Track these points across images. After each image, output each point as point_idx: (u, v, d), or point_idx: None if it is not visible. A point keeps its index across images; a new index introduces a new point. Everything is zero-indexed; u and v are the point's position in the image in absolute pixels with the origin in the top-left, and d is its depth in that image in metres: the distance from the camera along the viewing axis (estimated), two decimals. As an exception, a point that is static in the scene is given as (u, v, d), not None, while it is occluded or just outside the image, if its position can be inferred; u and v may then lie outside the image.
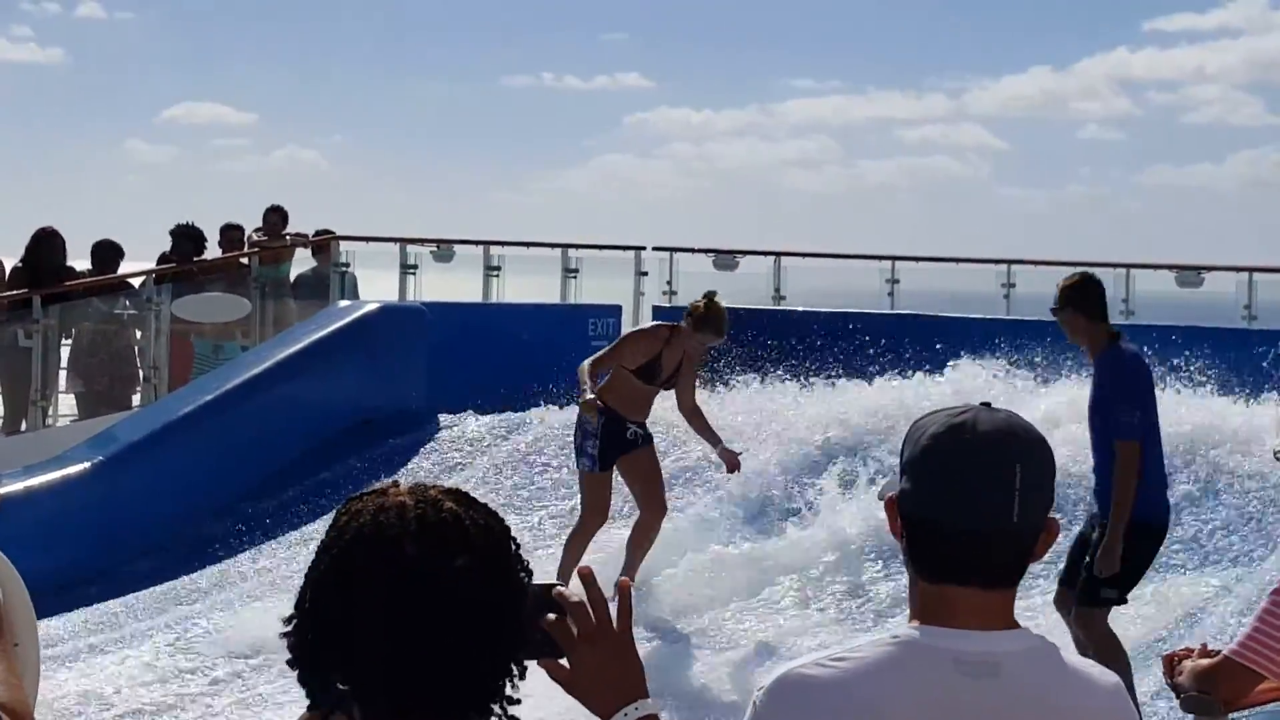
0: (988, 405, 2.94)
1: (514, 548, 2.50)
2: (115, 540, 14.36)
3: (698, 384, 12.74)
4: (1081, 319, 9.52)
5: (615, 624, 2.60)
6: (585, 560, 11.35)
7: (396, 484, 2.53)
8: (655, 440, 12.69)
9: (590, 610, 2.60)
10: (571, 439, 12.50)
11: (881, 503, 2.97)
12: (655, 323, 12.29)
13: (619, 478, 12.38)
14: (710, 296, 12.10)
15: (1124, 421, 9.19)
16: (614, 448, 12.05)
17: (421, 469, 15.68)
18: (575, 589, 2.63)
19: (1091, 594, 9.22)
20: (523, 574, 2.49)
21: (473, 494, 2.52)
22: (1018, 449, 2.82)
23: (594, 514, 12.24)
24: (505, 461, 15.53)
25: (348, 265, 19.22)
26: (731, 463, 12.34)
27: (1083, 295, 9.57)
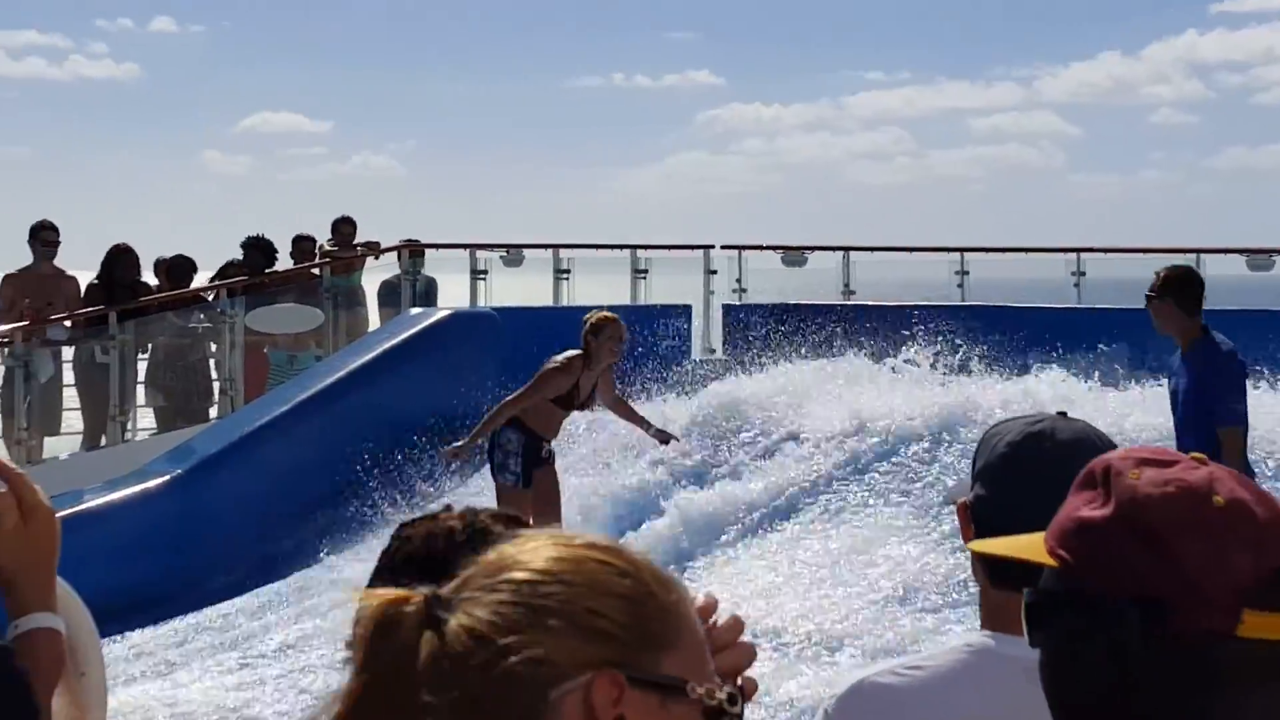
0: (1064, 414, 2.97)
1: None
2: (195, 552, 14.48)
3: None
4: (1177, 311, 9.54)
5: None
6: None
7: (449, 508, 2.56)
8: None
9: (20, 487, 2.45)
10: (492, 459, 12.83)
11: (951, 508, 2.97)
12: (567, 354, 12.58)
13: None
14: (600, 312, 12.92)
15: (1231, 409, 9.27)
16: (533, 465, 12.60)
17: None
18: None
19: None
20: None
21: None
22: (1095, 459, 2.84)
23: None
24: (575, 465, 15.59)
25: (418, 273, 19.29)
26: (665, 439, 13.51)
27: (1182, 288, 9.59)
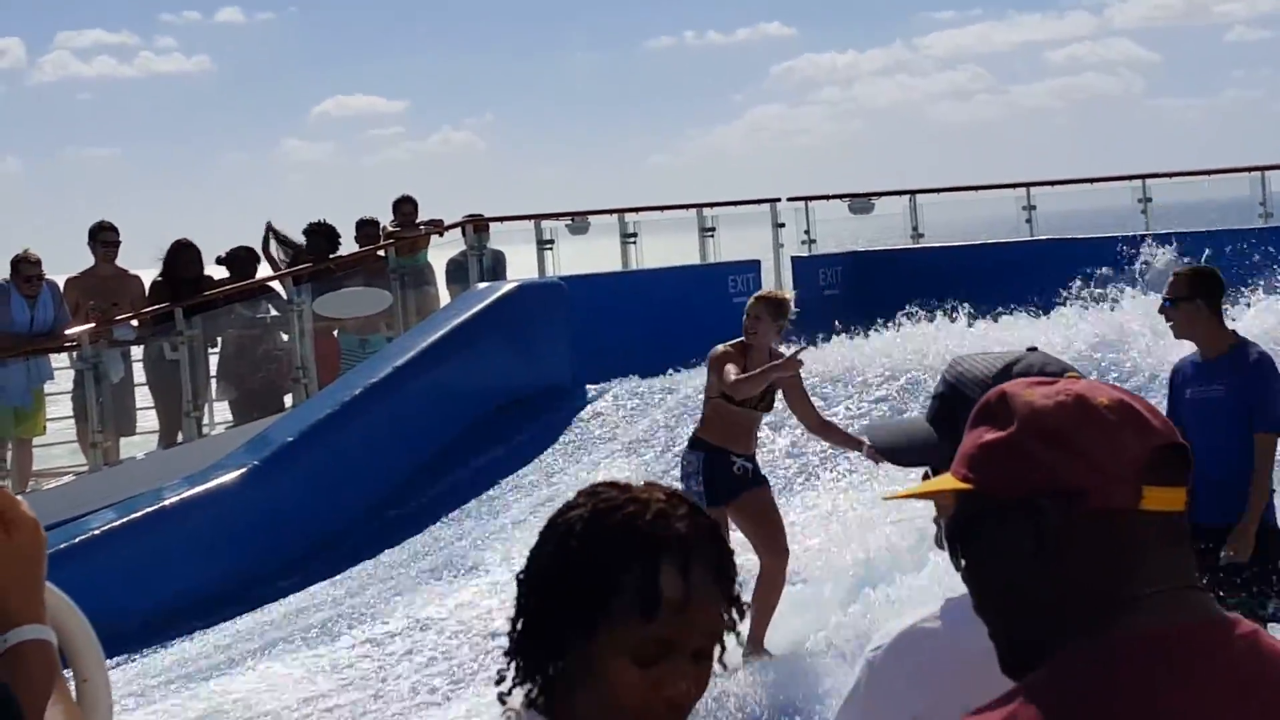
0: (1034, 349, 2.92)
1: None
2: (278, 541, 14.53)
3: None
4: (1206, 312, 8.90)
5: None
6: None
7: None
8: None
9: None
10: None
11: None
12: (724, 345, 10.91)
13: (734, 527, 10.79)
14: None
15: (1276, 415, 8.74)
16: (722, 485, 10.79)
17: (572, 443, 15.75)
18: None
19: (1259, 605, 8.57)
20: None
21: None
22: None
23: None
24: (649, 431, 15.55)
25: (484, 248, 19.24)
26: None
27: (1212, 289, 8.95)
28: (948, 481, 2.20)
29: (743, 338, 10.90)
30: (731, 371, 10.71)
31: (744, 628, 2.50)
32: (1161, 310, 9.12)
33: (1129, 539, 2.10)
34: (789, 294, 11.43)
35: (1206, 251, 16.61)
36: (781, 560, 10.88)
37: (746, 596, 2.51)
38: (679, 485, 10.64)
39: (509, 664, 2.50)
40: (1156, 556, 2.11)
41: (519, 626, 2.50)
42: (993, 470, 2.15)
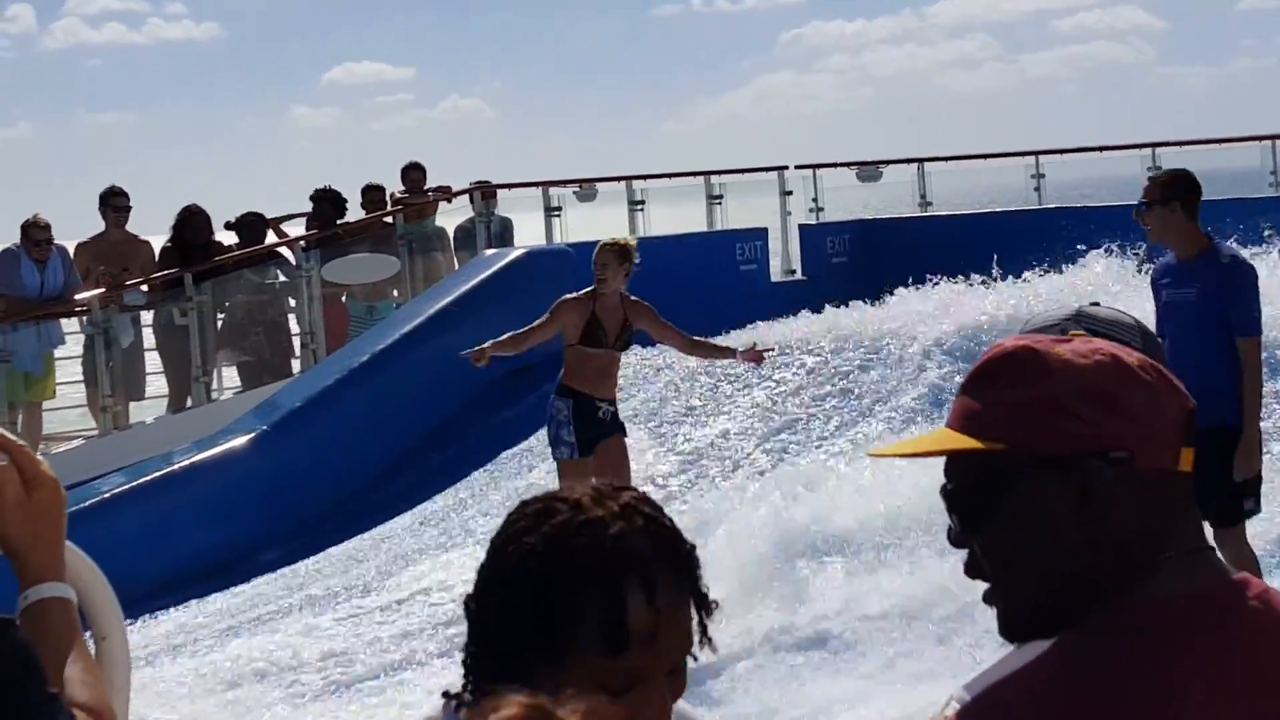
0: (1097, 304, 2.93)
1: None
2: (286, 506, 14.56)
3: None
4: (1184, 217, 8.90)
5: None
6: None
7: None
8: None
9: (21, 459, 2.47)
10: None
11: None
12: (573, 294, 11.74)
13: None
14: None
15: (1252, 317, 8.78)
16: (591, 432, 11.45)
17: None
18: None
19: (1233, 510, 8.73)
20: None
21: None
22: (1132, 341, 2.80)
23: None
24: (656, 398, 15.59)
25: (492, 215, 19.24)
26: (756, 357, 12.14)
27: (1188, 191, 8.95)
28: (964, 441, 2.12)
29: (593, 286, 11.61)
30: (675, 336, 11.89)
31: (717, 628, 2.31)
32: (1136, 214, 9.11)
33: (1168, 501, 2.09)
34: (632, 239, 12.09)
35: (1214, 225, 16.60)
36: None
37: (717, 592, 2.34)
38: (547, 431, 11.75)
39: (465, 685, 2.32)
40: (1184, 518, 2.12)
41: (474, 654, 2.33)
42: (1032, 430, 2.08)
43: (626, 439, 11.86)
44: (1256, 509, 8.90)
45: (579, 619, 2.22)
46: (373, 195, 19.03)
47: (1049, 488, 2.07)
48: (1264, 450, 9.21)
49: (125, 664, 2.75)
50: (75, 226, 17.37)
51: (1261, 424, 9.06)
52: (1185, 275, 8.92)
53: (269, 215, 18.48)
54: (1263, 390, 8.93)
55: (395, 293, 18.54)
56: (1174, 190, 8.93)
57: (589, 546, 2.25)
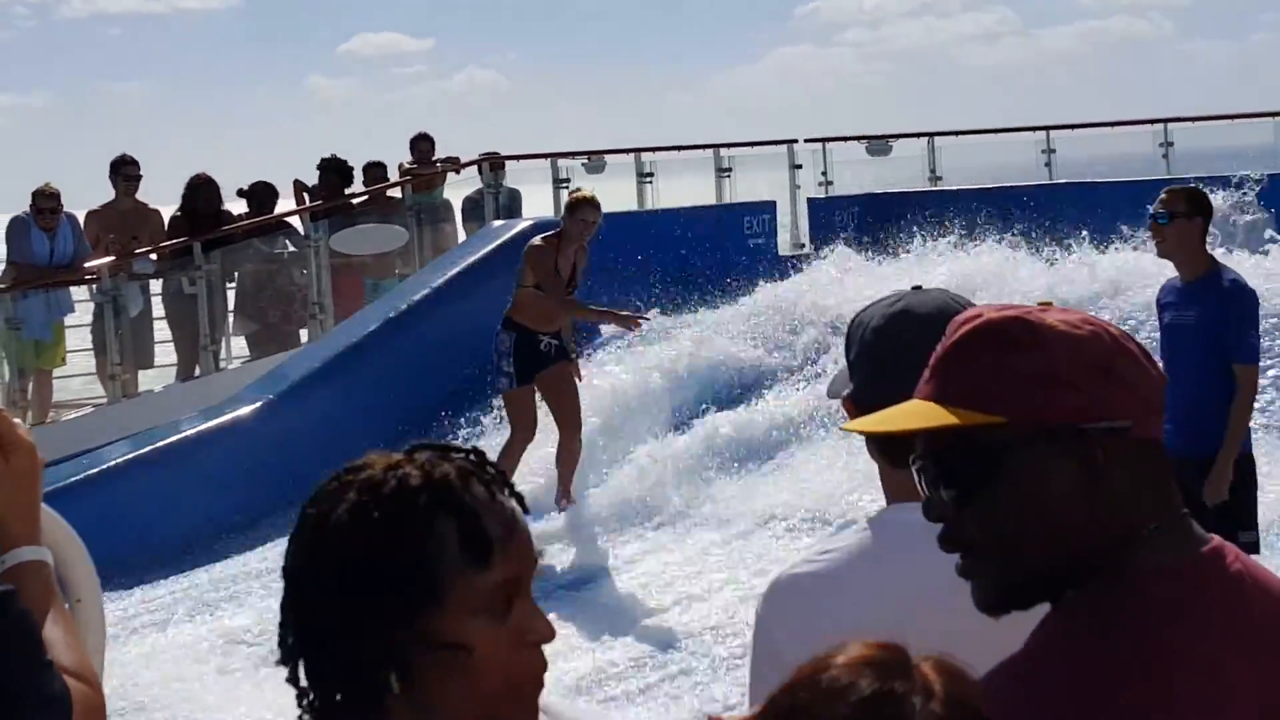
0: (919, 288, 2.98)
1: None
2: (293, 475, 14.51)
3: None
4: (1200, 235, 8.70)
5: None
6: (523, 484, 12.29)
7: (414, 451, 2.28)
8: None
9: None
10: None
11: (838, 401, 2.99)
12: (543, 236, 12.64)
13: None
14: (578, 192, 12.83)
15: (1249, 344, 8.61)
16: (530, 363, 12.44)
17: (590, 383, 15.77)
18: None
19: (1230, 538, 8.50)
20: None
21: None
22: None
23: (520, 431, 12.68)
24: (662, 370, 15.58)
25: (500, 186, 19.25)
26: (635, 322, 13.09)
27: (1205, 205, 8.77)
28: (959, 414, 2.10)
29: (556, 232, 12.53)
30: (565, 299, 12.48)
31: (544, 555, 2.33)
32: (1153, 225, 8.80)
33: (1157, 470, 2.13)
34: (590, 190, 12.87)
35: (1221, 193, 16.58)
36: (576, 433, 12.65)
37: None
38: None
39: (302, 701, 2.17)
40: (1169, 488, 2.15)
41: (321, 651, 2.15)
42: (1034, 401, 2.08)
43: (579, 370, 12.87)
44: (1255, 548, 8.48)
45: (440, 543, 2.13)
46: (374, 173, 19.08)
47: (1050, 459, 2.07)
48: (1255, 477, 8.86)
49: (100, 624, 2.76)
50: (92, 196, 17.41)
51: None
52: (1187, 298, 8.75)
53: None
54: (1249, 419, 8.67)
55: (402, 263, 18.55)
56: (1200, 205, 8.74)
57: (416, 476, 2.18)
